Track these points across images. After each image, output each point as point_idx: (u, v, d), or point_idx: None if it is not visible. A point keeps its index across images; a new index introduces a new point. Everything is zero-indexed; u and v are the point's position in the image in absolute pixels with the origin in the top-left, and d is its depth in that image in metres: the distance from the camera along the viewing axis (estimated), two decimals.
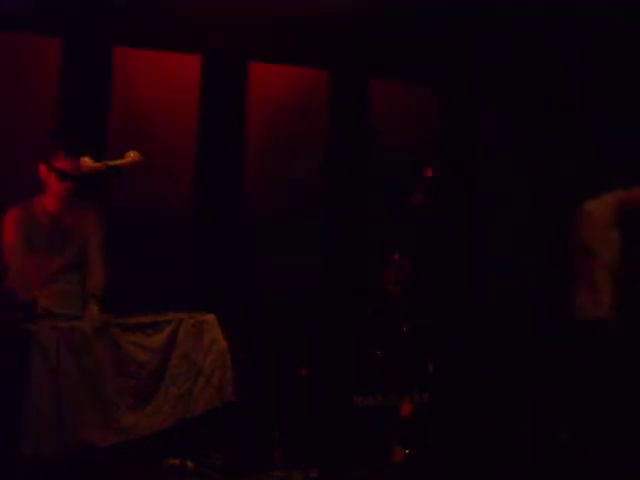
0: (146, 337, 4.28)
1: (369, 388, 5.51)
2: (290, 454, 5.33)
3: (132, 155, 4.37)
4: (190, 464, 4.86)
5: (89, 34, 5.77)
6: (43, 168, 4.74)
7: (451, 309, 6.03)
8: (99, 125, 5.71)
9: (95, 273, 4.84)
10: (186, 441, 4.59)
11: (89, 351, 4.08)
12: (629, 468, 4.80)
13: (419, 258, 5.93)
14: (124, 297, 4.66)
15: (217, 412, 4.54)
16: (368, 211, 6.29)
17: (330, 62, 6.30)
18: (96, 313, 4.58)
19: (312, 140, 6.30)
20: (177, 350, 4.35)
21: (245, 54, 6.12)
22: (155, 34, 5.87)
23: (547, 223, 6.00)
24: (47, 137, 5.10)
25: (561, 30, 6.05)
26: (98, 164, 4.35)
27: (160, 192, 5.80)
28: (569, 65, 6.16)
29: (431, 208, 5.72)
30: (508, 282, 5.94)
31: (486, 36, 6.21)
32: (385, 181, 6.30)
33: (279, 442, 5.36)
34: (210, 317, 4.53)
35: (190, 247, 5.92)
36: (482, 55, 6.36)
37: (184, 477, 4.76)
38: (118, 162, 4.35)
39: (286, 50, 6.11)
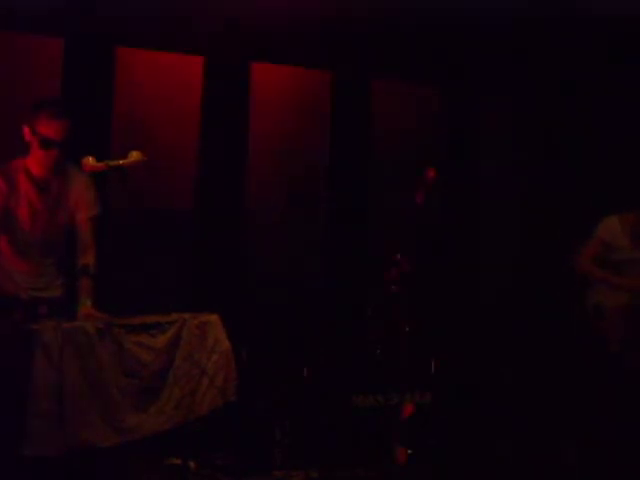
0: (150, 337, 4.26)
1: (369, 388, 5.51)
2: (291, 454, 5.33)
3: (134, 155, 4.37)
4: (192, 464, 4.87)
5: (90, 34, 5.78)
6: (26, 130, 4.45)
7: (452, 308, 6.04)
8: (102, 125, 5.70)
9: (85, 254, 4.58)
10: (188, 441, 4.59)
11: (92, 351, 4.06)
12: None
13: (420, 258, 5.95)
14: (127, 298, 4.65)
15: (219, 412, 4.54)
16: (369, 211, 6.29)
17: (332, 63, 6.30)
18: (91, 310, 4.46)
19: (314, 141, 6.30)
20: (181, 351, 4.33)
21: (247, 55, 6.11)
22: (156, 34, 5.86)
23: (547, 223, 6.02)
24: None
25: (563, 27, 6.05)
26: (100, 164, 4.35)
27: (162, 192, 5.80)
28: (573, 62, 6.16)
29: (432, 208, 5.74)
30: (509, 281, 5.94)
31: (487, 33, 6.19)
32: (386, 181, 6.31)
33: (280, 442, 5.36)
34: (213, 317, 4.52)
35: (192, 247, 5.92)
36: (482, 53, 6.36)
37: (186, 477, 4.77)
38: (120, 162, 4.35)
39: (288, 51, 6.11)
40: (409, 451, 5.32)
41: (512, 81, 6.25)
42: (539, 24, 6.02)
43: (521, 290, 6.01)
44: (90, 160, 4.34)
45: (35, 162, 4.49)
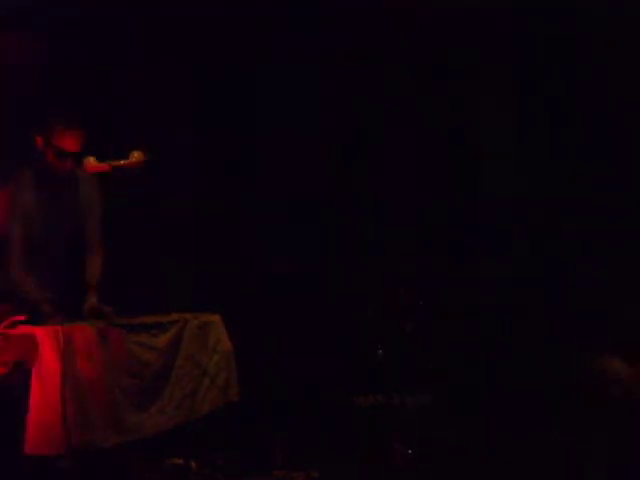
0: (151, 337, 4.27)
1: (369, 388, 5.52)
2: (291, 454, 5.34)
3: (136, 155, 4.38)
4: (193, 464, 4.87)
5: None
6: (40, 140, 4.45)
7: (452, 309, 6.04)
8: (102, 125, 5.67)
9: (94, 252, 4.69)
10: (189, 441, 4.60)
11: (93, 351, 4.07)
12: None
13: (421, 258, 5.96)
14: (128, 298, 4.66)
15: (219, 412, 4.54)
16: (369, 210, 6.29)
17: None
18: (95, 305, 4.52)
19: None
20: (182, 351, 4.36)
21: None
22: None
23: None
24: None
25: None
26: (103, 164, 4.35)
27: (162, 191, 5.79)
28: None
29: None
30: (512, 282, 5.94)
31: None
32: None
33: (280, 442, 5.37)
34: (215, 318, 4.54)
35: (193, 247, 5.92)
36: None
37: (187, 477, 4.77)
38: (122, 162, 4.36)
39: None
40: (409, 451, 5.33)
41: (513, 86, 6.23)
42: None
43: (523, 290, 5.99)
44: (92, 161, 4.35)
45: (47, 170, 4.50)
